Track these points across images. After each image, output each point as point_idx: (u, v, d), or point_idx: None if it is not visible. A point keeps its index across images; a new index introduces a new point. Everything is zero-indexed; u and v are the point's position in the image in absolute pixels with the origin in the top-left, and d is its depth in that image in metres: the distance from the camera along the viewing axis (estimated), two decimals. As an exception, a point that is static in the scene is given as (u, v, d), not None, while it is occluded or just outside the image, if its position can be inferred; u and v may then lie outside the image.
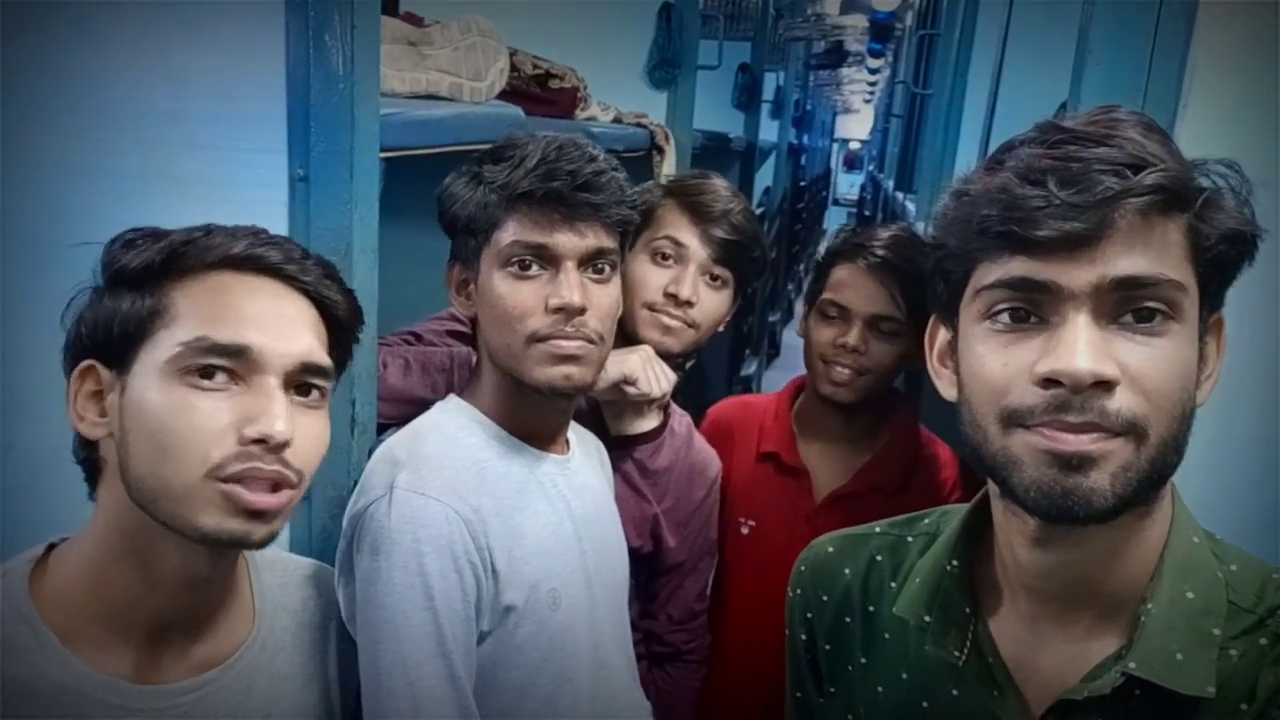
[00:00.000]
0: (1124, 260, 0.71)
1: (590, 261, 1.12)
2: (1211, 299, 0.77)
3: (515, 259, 1.11)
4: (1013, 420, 0.74)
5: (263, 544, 0.86)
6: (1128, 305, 0.72)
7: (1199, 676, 0.74)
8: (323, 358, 0.89)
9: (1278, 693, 0.73)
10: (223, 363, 0.83)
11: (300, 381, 0.88)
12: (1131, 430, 0.72)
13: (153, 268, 0.85)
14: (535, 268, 1.11)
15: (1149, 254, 0.72)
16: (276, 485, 0.84)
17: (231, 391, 0.84)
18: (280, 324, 0.87)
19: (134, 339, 0.85)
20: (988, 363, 0.76)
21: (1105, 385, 0.71)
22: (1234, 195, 0.75)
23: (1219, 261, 0.75)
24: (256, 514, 0.83)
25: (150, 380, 0.83)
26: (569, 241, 1.10)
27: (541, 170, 1.09)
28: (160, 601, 0.88)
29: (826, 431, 1.62)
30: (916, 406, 1.69)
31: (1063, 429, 0.72)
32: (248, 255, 0.87)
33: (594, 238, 1.12)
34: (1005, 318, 0.76)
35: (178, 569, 0.87)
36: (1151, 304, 0.72)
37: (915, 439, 1.61)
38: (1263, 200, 0.77)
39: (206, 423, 0.82)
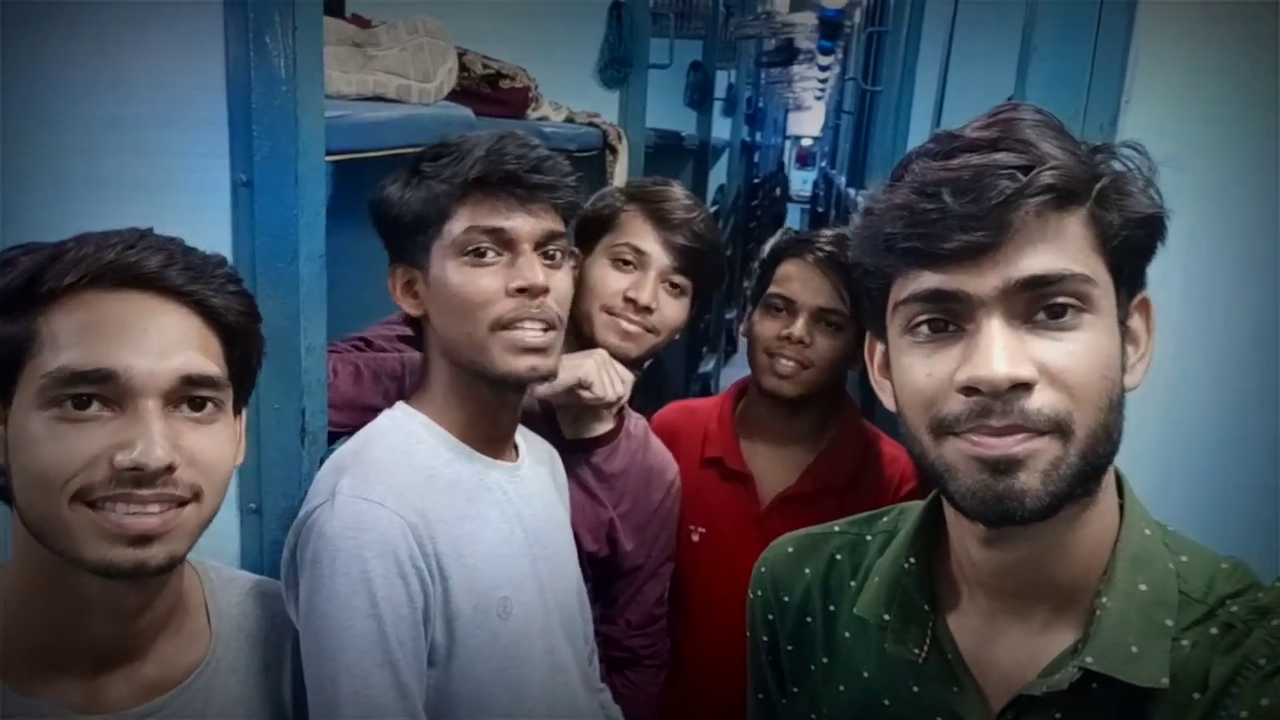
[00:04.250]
0: (1026, 261, 0.72)
1: (544, 245, 1.13)
2: (1129, 283, 0.78)
3: (471, 246, 1.11)
4: (942, 429, 0.75)
5: (163, 568, 0.81)
6: (1038, 304, 0.73)
7: (1154, 668, 0.75)
8: (207, 368, 0.83)
9: (1230, 682, 0.74)
10: (92, 390, 0.78)
11: (188, 396, 0.82)
12: (1056, 428, 0.72)
13: (15, 293, 0.80)
14: (491, 254, 1.11)
15: (1050, 251, 0.73)
16: (164, 506, 0.79)
17: (106, 419, 0.79)
18: (152, 341, 0.81)
19: (9, 369, 0.80)
20: (914, 374, 0.77)
21: (1024, 386, 0.72)
22: (1140, 177, 0.75)
23: (1128, 246, 0.76)
24: (143, 539, 0.79)
25: (27, 414, 0.79)
26: (526, 224, 1.11)
27: (492, 156, 1.10)
28: (94, 631, 0.85)
29: (771, 433, 1.61)
30: (866, 406, 1.69)
31: (988, 434, 0.73)
32: (115, 266, 0.81)
33: (549, 220, 1.13)
34: (925, 329, 0.77)
35: (99, 599, 0.83)
36: (1061, 300, 0.73)
37: (861, 437, 1.61)
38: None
39: (75, 451, 0.77)
